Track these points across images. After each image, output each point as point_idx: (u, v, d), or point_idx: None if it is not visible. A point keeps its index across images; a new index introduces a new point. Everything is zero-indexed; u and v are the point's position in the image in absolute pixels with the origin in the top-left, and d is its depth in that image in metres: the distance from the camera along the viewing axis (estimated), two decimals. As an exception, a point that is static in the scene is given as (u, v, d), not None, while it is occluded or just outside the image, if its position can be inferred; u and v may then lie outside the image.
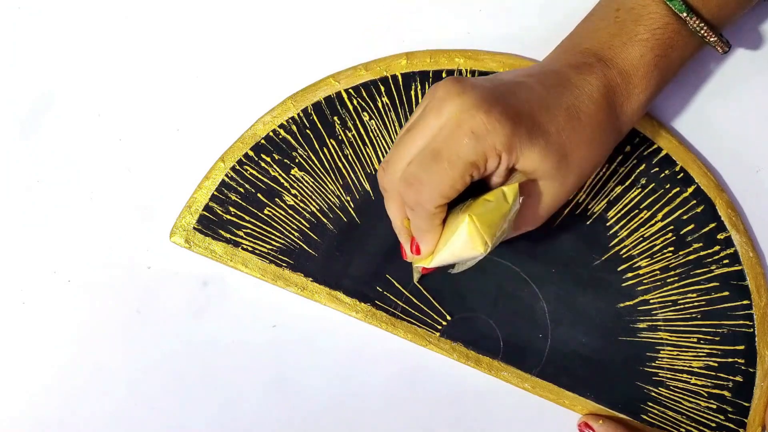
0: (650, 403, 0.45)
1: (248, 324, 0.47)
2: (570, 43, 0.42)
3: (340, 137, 0.46)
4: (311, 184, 0.47)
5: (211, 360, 0.47)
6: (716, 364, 0.45)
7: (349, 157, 0.46)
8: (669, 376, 0.45)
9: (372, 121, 0.46)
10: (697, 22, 0.39)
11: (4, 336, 0.47)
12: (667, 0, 0.39)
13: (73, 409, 0.47)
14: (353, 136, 0.46)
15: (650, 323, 0.45)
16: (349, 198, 0.46)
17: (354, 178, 0.46)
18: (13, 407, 0.47)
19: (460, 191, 0.37)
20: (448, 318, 0.46)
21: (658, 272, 0.46)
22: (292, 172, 0.47)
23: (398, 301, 0.46)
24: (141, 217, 0.47)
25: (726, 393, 0.45)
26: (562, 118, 0.38)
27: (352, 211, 0.46)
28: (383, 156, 0.46)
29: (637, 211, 0.46)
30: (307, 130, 0.46)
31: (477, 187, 0.39)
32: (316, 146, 0.46)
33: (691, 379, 0.45)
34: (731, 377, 0.45)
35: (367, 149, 0.46)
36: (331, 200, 0.46)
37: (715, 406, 0.45)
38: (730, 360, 0.45)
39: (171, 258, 0.47)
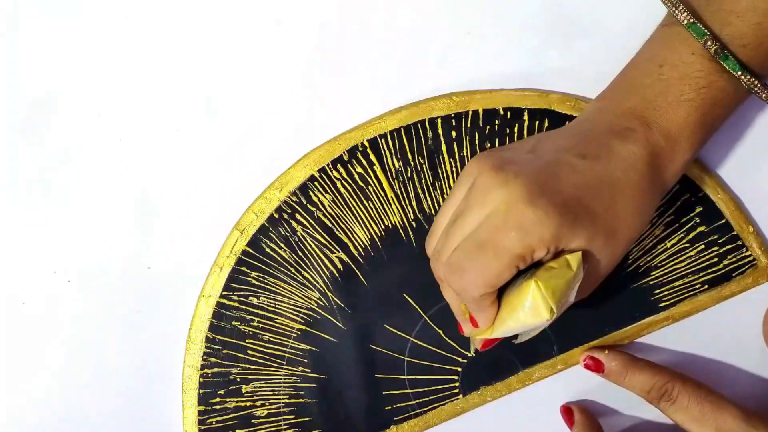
0: (656, 291, 0.45)
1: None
2: (610, 100, 0.40)
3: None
4: (265, 386, 0.46)
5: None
6: (672, 217, 0.45)
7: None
8: (648, 258, 0.45)
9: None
10: (751, 79, 0.38)
11: (4, 336, 0.47)
12: (721, 59, 0.37)
13: (73, 409, 0.47)
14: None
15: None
16: (295, 377, 0.46)
17: (287, 348, 0.46)
18: (13, 407, 0.47)
19: (508, 280, 0.37)
20: (456, 378, 0.46)
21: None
22: (244, 389, 0.46)
23: (411, 402, 0.46)
24: (141, 217, 0.47)
25: (701, 228, 0.45)
26: (607, 195, 0.37)
27: (310, 373, 0.46)
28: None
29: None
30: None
31: None
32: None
33: (666, 245, 0.45)
34: (692, 213, 0.45)
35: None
36: (291, 392, 0.46)
37: (703, 246, 0.45)
38: (680, 202, 0.45)
39: (171, 258, 0.47)
